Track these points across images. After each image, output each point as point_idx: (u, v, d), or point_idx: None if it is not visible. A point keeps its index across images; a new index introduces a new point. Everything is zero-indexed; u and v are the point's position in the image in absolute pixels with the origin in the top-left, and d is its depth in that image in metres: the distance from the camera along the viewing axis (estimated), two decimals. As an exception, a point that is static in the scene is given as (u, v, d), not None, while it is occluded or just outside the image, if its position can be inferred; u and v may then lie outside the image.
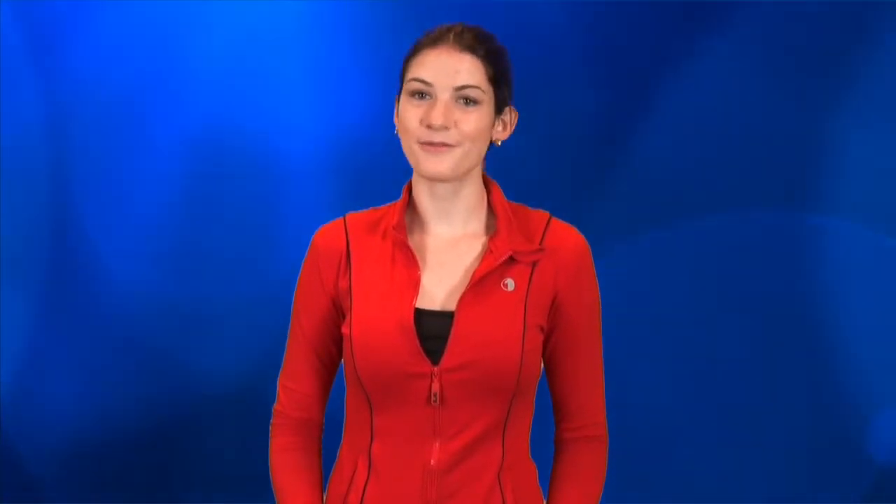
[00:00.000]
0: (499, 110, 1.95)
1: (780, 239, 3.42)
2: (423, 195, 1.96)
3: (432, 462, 1.91)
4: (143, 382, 3.55)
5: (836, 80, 3.39)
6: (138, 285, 3.54)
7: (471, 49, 1.91)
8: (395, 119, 1.97)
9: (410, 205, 1.98)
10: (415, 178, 1.97)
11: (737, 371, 3.43)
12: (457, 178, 1.93)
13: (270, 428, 2.01)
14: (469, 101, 1.90)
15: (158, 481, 3.57)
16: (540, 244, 1.95)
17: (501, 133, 1.97)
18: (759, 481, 3.41)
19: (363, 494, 1.94)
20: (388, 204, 2.00)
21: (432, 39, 1.92)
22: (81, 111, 3.53)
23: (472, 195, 1.96)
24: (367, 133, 3.41)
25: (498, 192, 1.99)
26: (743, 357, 3.43)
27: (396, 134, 1.96)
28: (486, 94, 1.91)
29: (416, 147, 1.91)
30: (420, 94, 1.91)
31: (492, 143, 1.96)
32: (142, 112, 3.53)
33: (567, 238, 1.97)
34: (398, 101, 1.96)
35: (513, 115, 1.98)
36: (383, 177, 3.30)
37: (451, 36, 1.91)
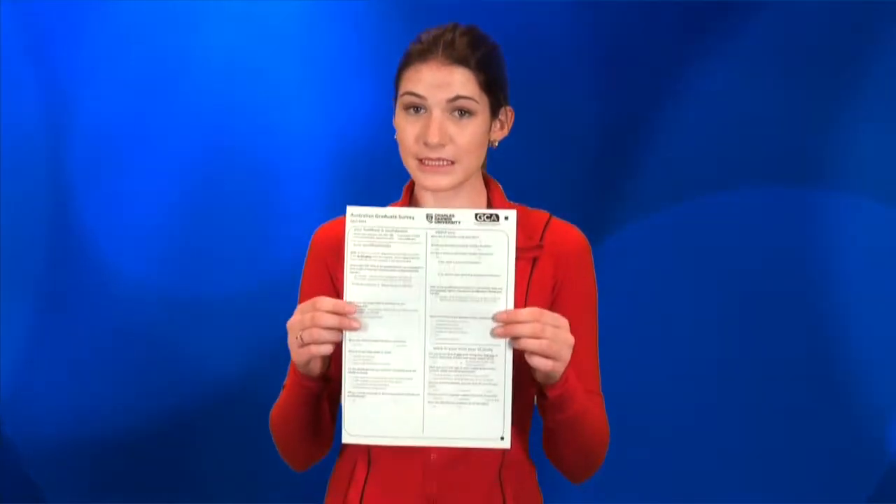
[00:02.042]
0: (494, 114, 1.95)
1: (791, 219, 3.41)
2: (424, 196, 1.97)
3: (433, 457, 1.91)
4: (142, 381, 3.55)
5: (846, 67, 3.39)
6: (137, 284, 3.53)
7: (461, 61, 1.90)
8: (395, 123, 1.98)
9: (411, 204, 1.99)
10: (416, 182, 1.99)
11: (745, 364, 3.42)
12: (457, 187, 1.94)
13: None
14: (463, 113, 1.90)
15: (157, 481, 3.57)
16: (540, 241, 1.95)
17: (499, 133, 1.97)
18: (767, 479, 3.41)
19: (363, 490, 1.94)
20: (389, 205, 2.00)
21: (422, 51, 1.91)
22: (81, 110, 3.52)
23: (472, 194, 1.97)
24: (369, 133, 3.41)
25: (498, 191, 2.00)
26: (751, 348, 3.41)
27: (397, 138, 1.97)
28: (479, 104, 1.91)
29: (413, 164, 1.91)
30: (415, 108, 1.91)
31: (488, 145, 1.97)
32: (141, 110, 3.53)
33: (567, 235, 1.98)
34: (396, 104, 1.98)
35: (509, 114, 1.98)
36: (383, 177, 3.31)
37: (441, 47, 1.91)
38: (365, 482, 1.94)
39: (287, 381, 1.97)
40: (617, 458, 3.36)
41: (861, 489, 3.38)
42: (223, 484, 3.55)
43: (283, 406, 1.93)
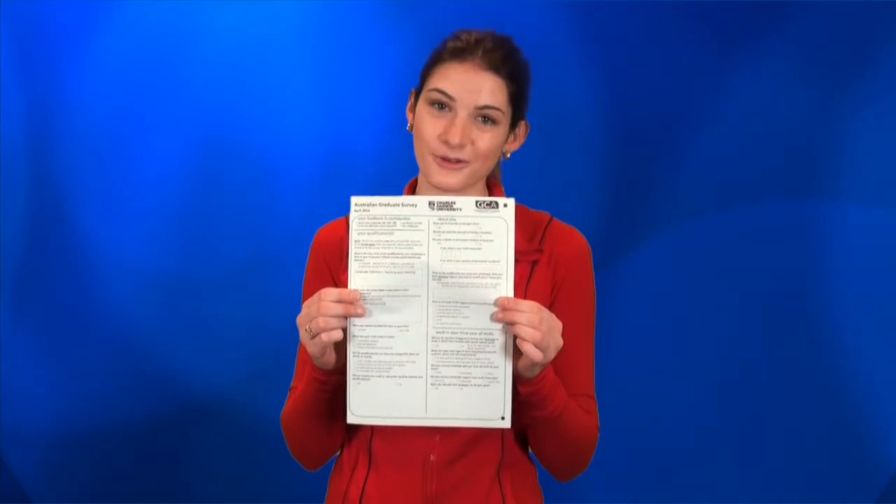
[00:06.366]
0: (513, 125, 1.97)
1: (797, 232, 3.42)
2: (427, 194, 1.97)
3: (432, 457, 1.92)
4: (135, 383, 3.55)
5: (848, 71, 3.40)
6: (129, 283, 3.55)
7: (496, 69, 1.92)
8: (409, 113, 2.00)
9: (412, 202, 2.00)
10: (420, 180, 2.00)
11: (752, 368, 3.43)
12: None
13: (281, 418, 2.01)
14: (487, 120, 1.92)
15: (154, 480, 3.56)
16: (540, 244, 1.97)
17: (512, 145, 2.00)
18: (775, 481, 3.41)
19: (363, 488, 1.95)
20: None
21: (459, 51, 1.92)
22: (77, 109, 3.54)
23: (474, 195, 1.97)
24: (370, 134, 3.42)
25: (500, 192, 2.02)
26: (758, 354, 3.43)
27: (409, 130, 1.99)
28: (504, 115, 1.94)
29: (429, 158, 1.93)
30: (440, 105, 1.92)
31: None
32: (140, 111, 3.54)
33: (567, 238, 2.00)
34: (414, 95, 1.99)
35: (525, 128, 2.01)
36: (383, 179, 3.33)
37: (480, 52, 1.92)
38: (365, 482, 1.96)
39: (295, 382, 2.00)
40: (622, 461, 3.38)
41: (869, 492, 3.37)
42: (223, 483, 3.54)
43: (297, 405, 1.94)
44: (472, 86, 1.90)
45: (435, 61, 1.94)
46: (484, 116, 1.92)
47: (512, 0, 3.35)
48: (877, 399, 3.38)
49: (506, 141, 1.97)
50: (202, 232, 3.52)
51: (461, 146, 1.90)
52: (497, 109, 1.92)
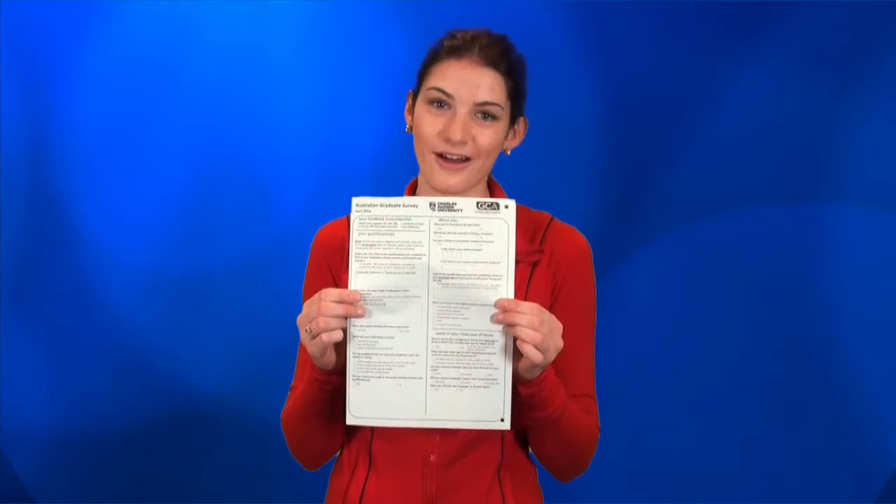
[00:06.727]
0: (512, 122, 1.97)
1: (796, 233, 3.42)
2: (428, 195, 1.97)
3: (432, 457, 1.92)
4: (135, 383, 3.55)
5: (848, 73, 3.40)
6: (129, 285, 3.54)
7: (494, 65, 1.92)
8: (407, 115, 2.00)
9: (413, 203, 2.00)
10: (420, 181, 2.00)
11: (753, 369, 3.43)
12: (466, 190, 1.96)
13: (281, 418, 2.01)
14: (487, 116, 1.92)
15: (156, 480, 3.56)
16: (540, 245, 1.97)
17: (512, 141, 2.00)
18: (775, 481, 3.41)
19: (363, 489, 1.95)
20: (391, 203, 2.01)
21: (456, 49, 1.93)
22: (76, 112, 3.54)
23: (475, 196, 1.98)
24: (370, 136, 3.42)
25: (501, 193, 2.02)
26: (759, 354, 3.43)
27: (408, 131, 1.99)
28: (504, 110, 1.94)
29: (430, 157, 1.93)
30: (438, 103, 1.92)
31: (500, 151, 1.99)
32: (140, 111, 3.54)
33: (568, 239, 1.99)
34: (412, 97, 1.99)
35: (524, 124, 2.01)
36: (384, 180, 3.32)
37: (477, 49, 1.92)
38: (365, 482, 1.96)
39: (295, 382, 2.00)
40: (622, 461, 3.38)
41: (869, 492, 3.38)
42: (223, 483, 3.54)
43: (297, 405, 1.94)
44: (470, 82, 1.90)
45: (432, 60, 1.94)
46: (484, 113, 1.92)
47: (512, 0, 3.36)
48: (877, 399, 3.38)
49: (506, 137, 1.97)
50: (202, 232, 3.52)
51: (462, 142, 1.90)
52: (496, 105, 1.92)
